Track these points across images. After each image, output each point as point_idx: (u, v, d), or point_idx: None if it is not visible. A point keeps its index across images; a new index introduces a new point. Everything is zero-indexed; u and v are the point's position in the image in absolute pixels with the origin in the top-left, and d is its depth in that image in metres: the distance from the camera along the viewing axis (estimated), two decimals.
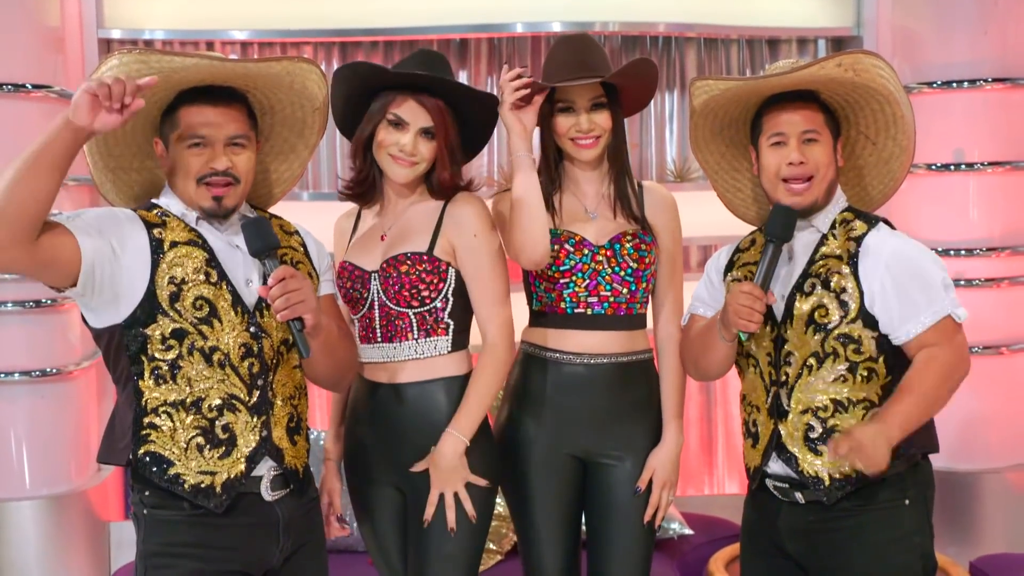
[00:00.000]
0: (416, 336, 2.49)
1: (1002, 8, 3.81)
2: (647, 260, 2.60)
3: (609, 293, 2.59)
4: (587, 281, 2.58)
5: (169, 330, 2.18)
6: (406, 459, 2.49)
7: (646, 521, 2.60)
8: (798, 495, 2.36)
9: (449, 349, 2.51)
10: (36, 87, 3.59)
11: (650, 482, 2.60)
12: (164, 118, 2.26)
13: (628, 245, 2.59)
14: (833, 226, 2.37)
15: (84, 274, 2.13)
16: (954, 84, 3.83)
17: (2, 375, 3.62)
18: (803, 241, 2.39)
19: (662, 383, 2.65)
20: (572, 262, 2.58)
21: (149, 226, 2.21)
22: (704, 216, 3.24)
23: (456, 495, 2.44)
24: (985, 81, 3.81)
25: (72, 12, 3.85)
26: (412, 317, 2.48)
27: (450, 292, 2.49)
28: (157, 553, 2.23)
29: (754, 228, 2.58)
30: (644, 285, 2.62)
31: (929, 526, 2.40)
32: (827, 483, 2.32)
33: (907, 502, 2.33)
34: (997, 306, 3.88)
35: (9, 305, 3.61)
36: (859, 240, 2.33)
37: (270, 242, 2.19)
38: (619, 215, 2.62)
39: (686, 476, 4.32)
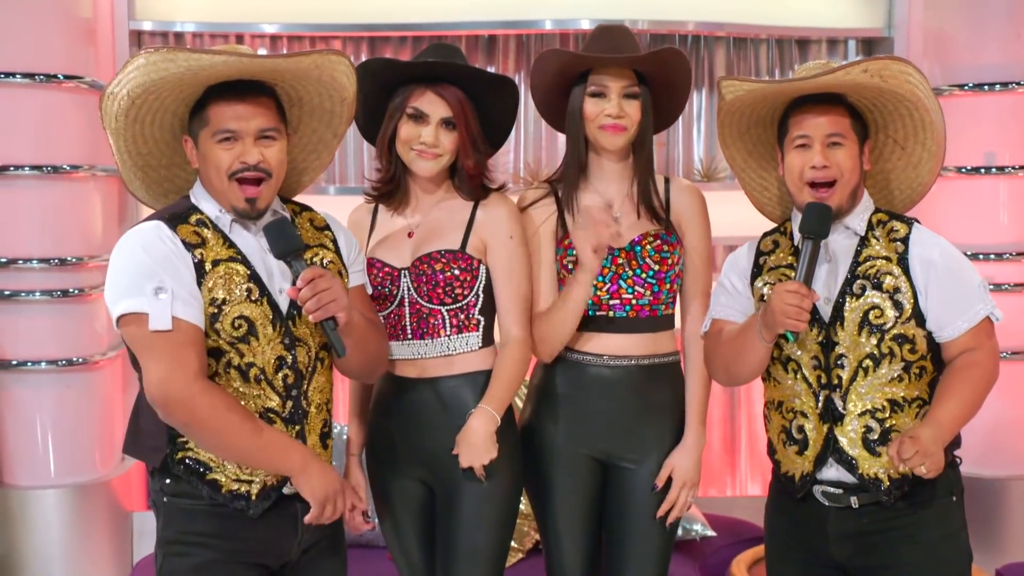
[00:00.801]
0: (448, 333, 2.49)
1: None
2: (670, 261, 2.58)
3: (631, 296, 2.56)
4: (608, 284, 2.56)
5: (206, 350, 2.17)
6: (433, 453, 2.50)
7: (658, 517, 2.58)
8: (853, 499, 2.34)
9: (480, 345, 2.52)
10: (68, 77, 3.62)
11: (669, 480, 2.58)
12: (193, 115, 2.25)
13: (649, 247, 2.56)
14: (870, 227, 2.36)
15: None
16: (985, 87, 3.79)
17: (29, 364, 3.65)
18: (841, 244, 2.37)
19: (687, 384, 2.62)
20: None
21: (190, 247, 2.19)
22: (731, 216, 3.22)
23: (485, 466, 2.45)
24: (1017, 84, 3.77)
25: (104, 3, 3.88)
26: (445, 314, 2.49)
27: (481, 289, 2.50)
28: (174, 541, 2.23)
29: (773, 227, 2.55)
30: (668, 287, 2.59)
31: (966, 522, 2.41)
32: (886, 484, 2.30)
33: (954, 499, 2.34)
34: None
35: (37, 294, 3.64)
36: (904, 241, 2.33)
37: (293, 245, 2.19)
38: (642, 215, 2.60)
39: (708, 477, 4.30)
